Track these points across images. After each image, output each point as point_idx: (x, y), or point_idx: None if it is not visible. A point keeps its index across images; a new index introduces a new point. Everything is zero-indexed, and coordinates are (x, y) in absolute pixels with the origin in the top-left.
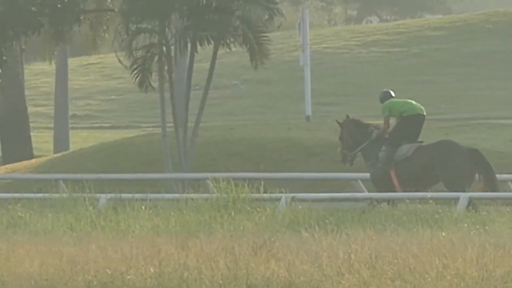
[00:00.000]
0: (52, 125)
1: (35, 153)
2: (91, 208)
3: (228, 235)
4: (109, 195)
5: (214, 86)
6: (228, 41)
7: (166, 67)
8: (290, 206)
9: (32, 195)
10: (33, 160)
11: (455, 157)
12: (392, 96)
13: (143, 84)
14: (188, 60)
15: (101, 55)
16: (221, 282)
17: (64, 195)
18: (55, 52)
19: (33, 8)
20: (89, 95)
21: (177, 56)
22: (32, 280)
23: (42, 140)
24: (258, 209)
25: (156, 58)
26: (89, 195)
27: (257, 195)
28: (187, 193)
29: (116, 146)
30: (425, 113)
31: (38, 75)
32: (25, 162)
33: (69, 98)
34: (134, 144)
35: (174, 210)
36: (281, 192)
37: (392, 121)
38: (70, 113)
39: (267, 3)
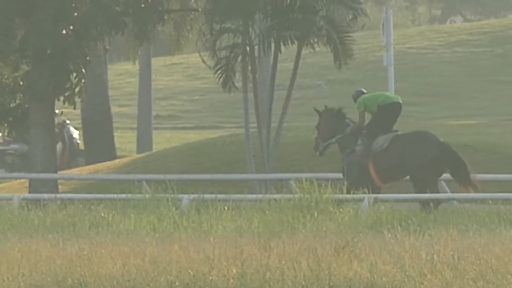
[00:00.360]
0: (135, 126)
1: (118, 153)
2: (174, 208)
3: (311, 236)
4: (192, 196)
5: (298, 86)
6: (312, 41)
7: (249, 67)
8: (372, 207)
9: (114, 195)
10: (116, 161)
11: (425, 149)
12: (364, 93)
13: (227, 84)
14: (271, 60)
15: (185, 55)
16: (303, 282)
17: (147, 195)
18: (139, 52)
19: (117, 7)
20: (172, 95)
21: (260, 56)
22: (115, 280)
23: (125, 140)
24: (341, 209)
25: (239, 58)
26: (172, 195)
27: (340, 196)
28: (270, 193)
29: (199, 146)
30: (401, 102)
31: (121, 75)
32: (108, 163)
33: (152, 98)
34: (217, 145)
35: (257, 211)
36: (364, 193)
37: (368, 118)
38: (154, 113)
39: (351, 3)
